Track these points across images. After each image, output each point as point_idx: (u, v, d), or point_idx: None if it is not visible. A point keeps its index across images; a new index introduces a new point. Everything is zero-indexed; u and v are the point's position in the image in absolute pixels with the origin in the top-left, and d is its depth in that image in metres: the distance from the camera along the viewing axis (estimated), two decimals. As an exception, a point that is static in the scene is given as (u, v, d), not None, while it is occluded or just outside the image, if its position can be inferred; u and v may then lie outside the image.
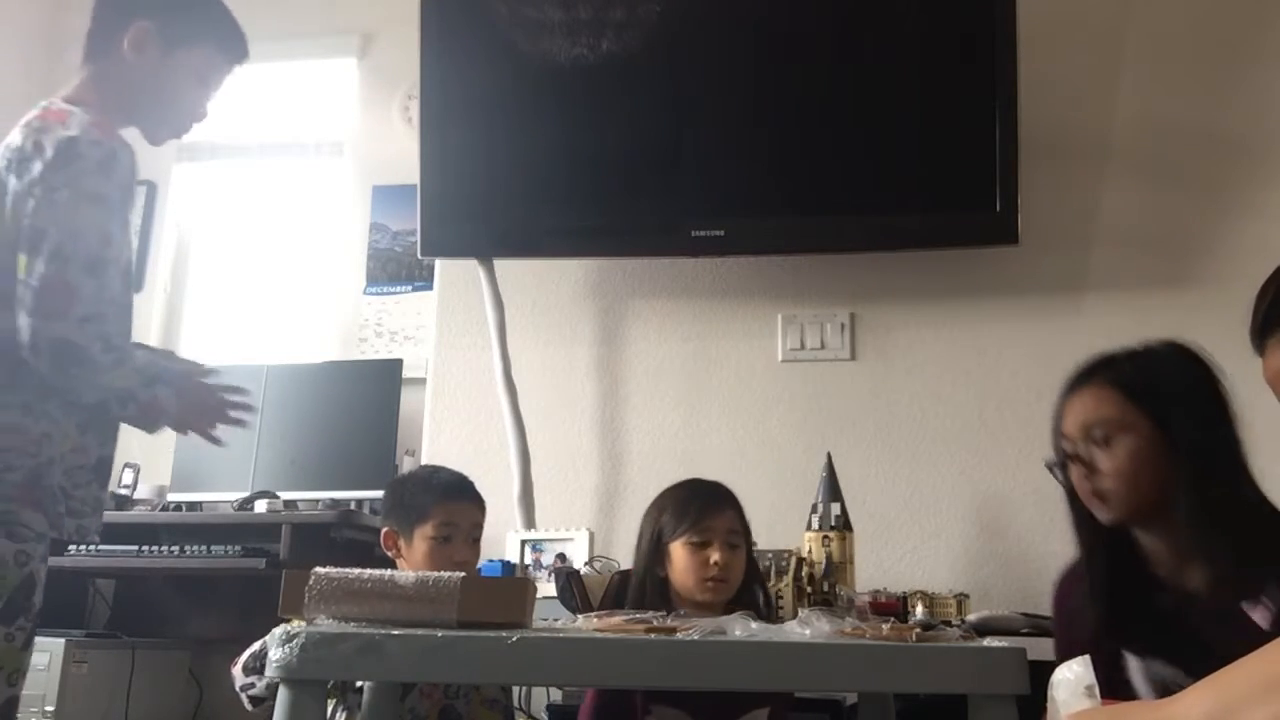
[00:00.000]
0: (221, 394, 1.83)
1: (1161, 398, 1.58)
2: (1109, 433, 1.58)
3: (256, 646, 1.84)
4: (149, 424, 1.78)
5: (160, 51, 1.82)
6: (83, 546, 2.66)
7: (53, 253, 1.61)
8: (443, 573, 1.37)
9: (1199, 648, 1.46)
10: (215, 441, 1.85)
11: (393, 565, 1.99)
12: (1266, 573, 1.50)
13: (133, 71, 1.82)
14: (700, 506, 1.91)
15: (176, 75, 1.84)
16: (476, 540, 2.03)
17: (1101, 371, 1.64)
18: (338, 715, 1.92)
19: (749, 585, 1.94)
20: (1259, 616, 1.49)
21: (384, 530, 2.02)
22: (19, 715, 1.72)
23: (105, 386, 1.67)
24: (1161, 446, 1.56)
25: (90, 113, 1.72)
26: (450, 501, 1.99)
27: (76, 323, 1.60)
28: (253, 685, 1.83)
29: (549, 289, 3.08)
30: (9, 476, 1.63)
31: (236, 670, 1.87)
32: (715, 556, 1.85)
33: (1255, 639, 1.42)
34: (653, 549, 1.92)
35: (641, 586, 1.91)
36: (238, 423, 1.86)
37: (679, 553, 1.88)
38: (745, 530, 1.95)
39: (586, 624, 1.46)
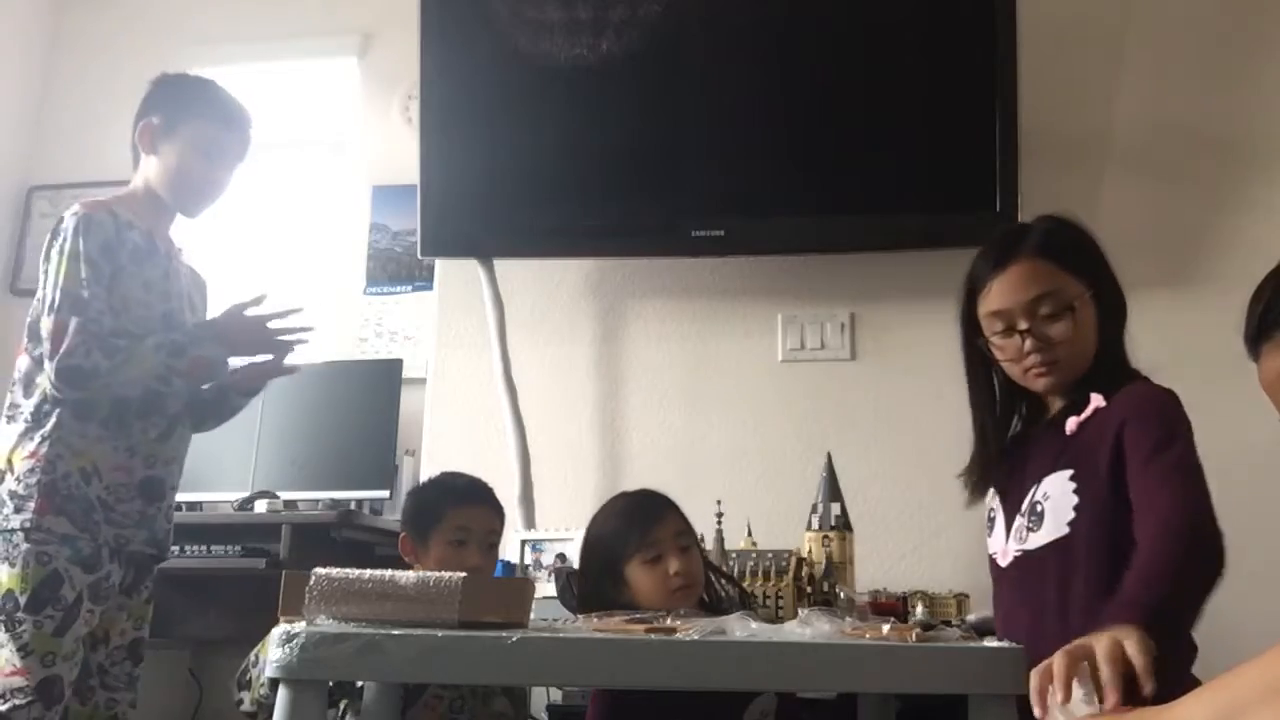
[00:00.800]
0: (264, 320, 2.13)
1: (1087, 267, 1.65)
2: (1061, 304, 1.62)
3: (244, 663, 1.84)
4: (207, 381, 2.13)
5: (165, 138, 2.14)
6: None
7: (49, 307, 1.96)
8: (443, 573, 1.37)
9: (1019, 473, 1.67)
10: (284, 370, 2.21)
11: (405, 566, 1.98)
12: (1088, 389, 1.62)
13: (151, 162, 2.15)
14: (642, 522, 1.84)
15: (180, 153, 2.14)
16: (493, 546, 2.01)
17: (1025, 245, 1.67)
18: (346, 718, 1.92)
19: (708, 580, 1.91)
20: (1071, 423, 1.61)
21: (401, 535, 2.02)
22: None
23: (129, 380, 1.97)
24: (1093, 312, 1.64)
25: (102, 199, 2.09)
26: (464, 506, 1.98)
27: (67, 353, 1.91)
28: (241, 701, 1.83)
29: (549, 289, 3.08)
30: (29, 493, 1.94)
31: (233, 684, 1.87)
32: (674, 566, 1.80)
33: (1059, 444, 1.62)
34: (604, 575, 1.84)
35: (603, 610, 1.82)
36: (288, 346, 2.17)
37: (637, 574, 1.81)
38: (690, 527, 1.90)
39: (586, 624, 1.46)
